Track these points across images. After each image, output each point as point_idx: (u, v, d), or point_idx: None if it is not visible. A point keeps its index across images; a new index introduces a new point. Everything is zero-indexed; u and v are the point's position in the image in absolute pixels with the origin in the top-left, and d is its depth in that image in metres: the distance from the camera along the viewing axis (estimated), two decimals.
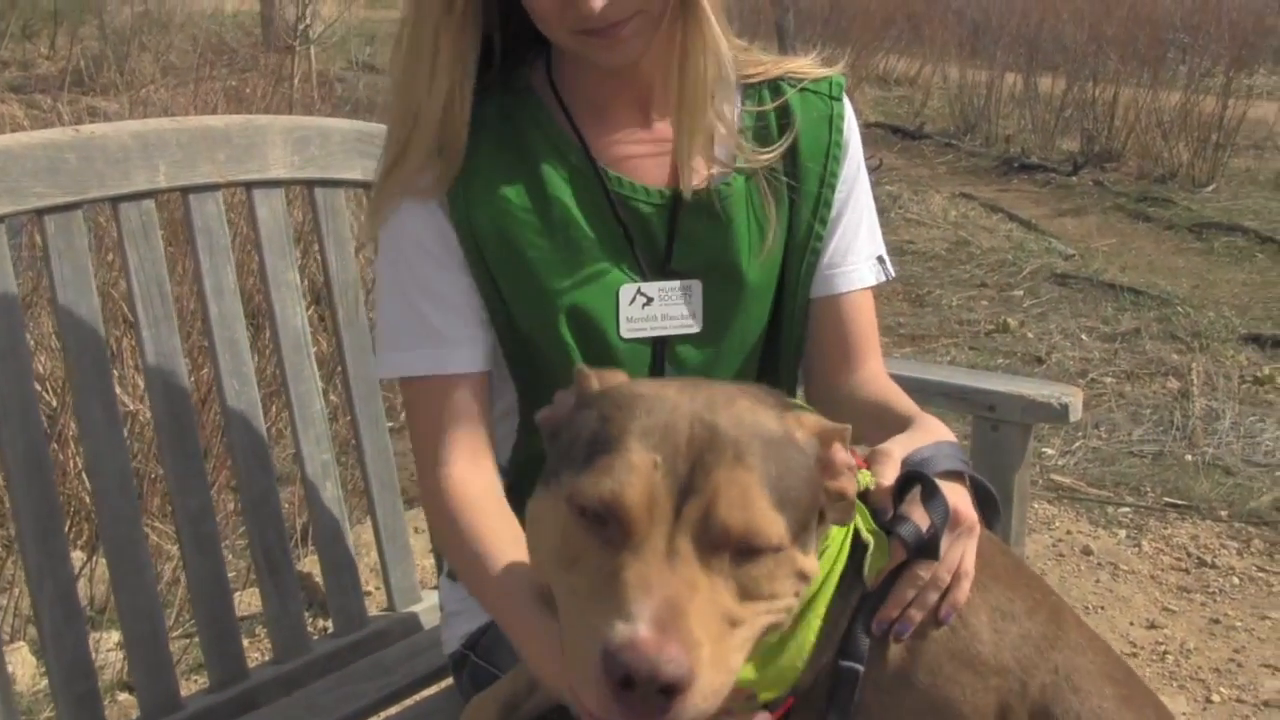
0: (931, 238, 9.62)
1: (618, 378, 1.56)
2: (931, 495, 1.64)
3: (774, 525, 1.38)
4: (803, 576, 1.45)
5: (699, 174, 2.02)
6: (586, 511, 1.36)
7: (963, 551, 1.68)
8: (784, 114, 2.09)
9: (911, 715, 1.66)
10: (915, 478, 1.67)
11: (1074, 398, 2.48)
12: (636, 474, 1.35)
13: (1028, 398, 2.48)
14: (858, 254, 2.16)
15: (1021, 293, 8.27)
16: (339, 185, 2.50)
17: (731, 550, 1.36)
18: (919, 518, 1.64)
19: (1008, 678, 1.65)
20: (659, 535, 1.33)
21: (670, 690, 1.24)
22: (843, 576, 1.63)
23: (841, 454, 1.54)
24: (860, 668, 1.61)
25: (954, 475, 1.74)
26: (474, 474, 1.94)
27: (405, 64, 1.94)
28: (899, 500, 1.67)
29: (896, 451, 1.73)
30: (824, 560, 1.58)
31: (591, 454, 1.39)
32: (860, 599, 1.64)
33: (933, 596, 1.65)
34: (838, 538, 1.61)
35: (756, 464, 1.39)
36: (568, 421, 1.51)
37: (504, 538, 1.82)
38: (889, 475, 1.69)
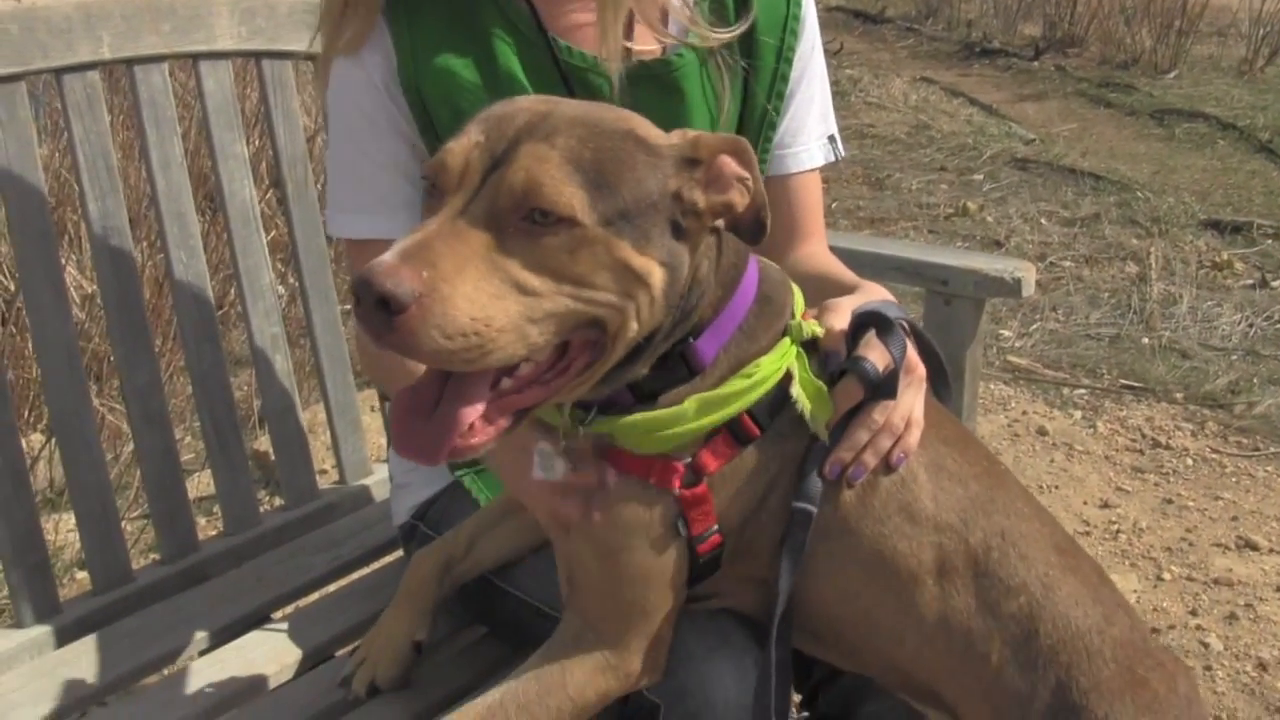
0: (892, 122, 9.57)
1: None
2: (889, 332, 1.65)
3: (563, 193, 1.38)
4: (631, 274, 1.43)
5: (650, 44, 2.00)
6: (425, 180, 1.46)
7: (914, 399, 1.69)
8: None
9: (855, 564, 1.67)
10: (870, 320, 1.67)
11: (1026, 272, 2.48)
12: (457, 147, 1.42)
13: (981, 272, 2.48)
14: (809, 133, 2.17)
15: (981, 177, 8.25)
16: (287, 57, 2.46)
17: (520, 214, 1.38)
18: (876, 357, 1.63)
19: (950, 535, 1.67)
20: (459, 200, 1.39)
21: (389, 306, 1.28)
22: (775, 419, 1.63)
23: (731, 165, 1.52)
24: (814, 509, 1.61)
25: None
26: None
27: None
28: (853, 345, 1.67)
29: (845, 303, 1.73)
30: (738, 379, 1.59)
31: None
32: (811, 441, 1.64)
33: (886, 442, 1.65)
34: (773, 361, 1.61)
35: (565, 143, 1.41)
36: None
37: None
38: (840, 322, 1.69)
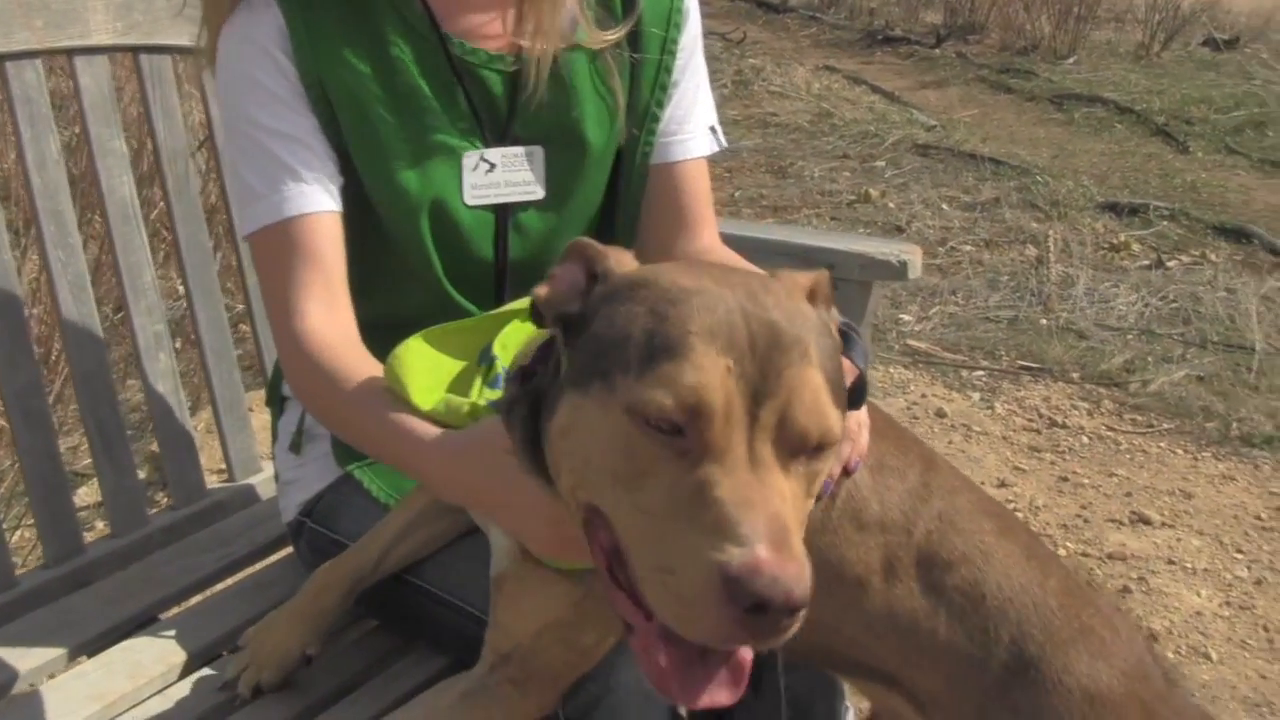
0: (795, 110, 9.61)
1: (628, 259, 1.41)
2: (852, 344, 1.57)
3: (839, 422, 1.29)
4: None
5: (541, 41, 2.00)
6: (656, 422, 1.23)
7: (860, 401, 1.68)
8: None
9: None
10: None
11: (913, 255, 2.50)
12: (714, 379, 1.22)
13: (867, 255, 2.50)
14: (694, 123, 2.19)
15: (883, 163, 8.31)
16: (165, 51, 2.44)
17: (807, 453, 1.27)
18: (847, 369, 1.57)
19: (895, 532, 1.69)
20: (740, 443, 1.22)
21: (796, 609, 1.16)
22: None
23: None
24: None
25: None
26: (331, 321, 1.87)
27: None
28: None
29: None
30: None
31: (652, 357, 1.24)
32: None
33: (847, 448, 1.62)
34: None
35: (819, 360, 1.29)
36: (592, 314, 1.35)
37: (378, 379, 1.75)
38: None
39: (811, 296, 1.42)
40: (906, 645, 1.73)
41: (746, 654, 1.28)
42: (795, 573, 1.15)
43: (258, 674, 1.97)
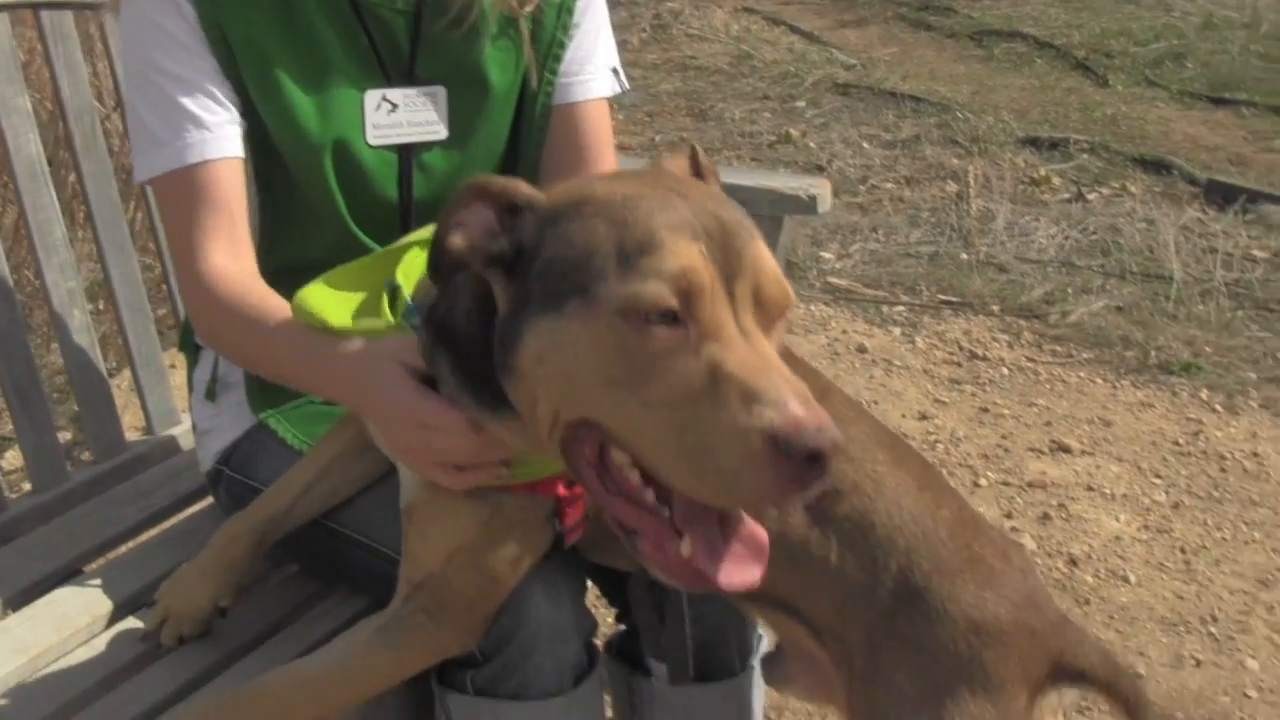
0: (714, 53, 9.63)
1: (526, 185, 1.45)
2: None
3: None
4: None
5: None
6: (651, 315, 1.28)
7: None
8: None
9: None
10: None
11: (822, 190, 2.54)
12: (696, 261, 1.29)
13: (776, 191, 2.53)
14: (595, 63, 2.21)
15: (804, 104, 8.34)
16: (65, 8, 2.42)
17: (776, 320, 1.35)
18: None
19: None
20: (729, 321, 1.29)
21: (823, 459, 1.23)
22: None
23: None
24: None
25: None
26: (234, 262, 1.90)
27: None
28: None
29: None
30: None
31: (629, 259, 1.31)
32: None
33: None
34: None
35: (758, 234, 1.38)
36: (536, 243, 1.39)
37: (285, 310, 1.79)
38: None
39: (699, 174, 1.53)
40: (800, 573, 1.76)
41: (761, 531, 1.37)
42: (829, 420, 1.23)
43: (177, 627, 1.98)
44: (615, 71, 2.24)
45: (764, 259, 1.35)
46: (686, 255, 1.29)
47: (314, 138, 1.99)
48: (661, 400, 1.28)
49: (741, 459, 1.23)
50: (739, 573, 1.34)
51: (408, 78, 2.06)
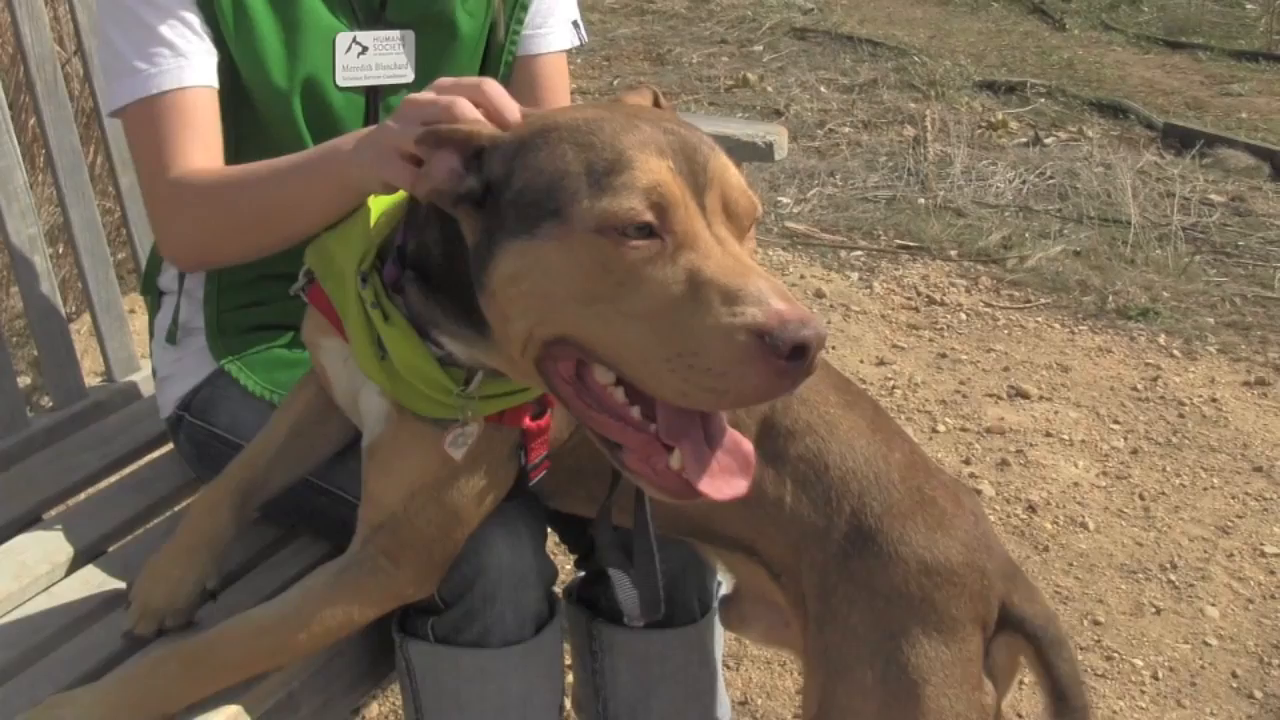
0: None
1: (521, 122, 1.47)
2: None
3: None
4: None
5: None
6: (627, 228, 1.31)
7: None
8: None
9: None
10: None
11: (778, 136, 2.54)
12: (666, 175, 1.33)
13: (733, 137, 2.53)
14: (558, 17, 2.23)
15: (761, 48, 8.32)
16: None
17: (745, 229, 1.39)
18: None
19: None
20: (703, 230, 1.33)
21: (808, 352, 1.25)
22: None
23: None
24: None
25: None
26: (211, 165, 1.92)
27: None
28: None
29: None
30: None
31: (600, 180, 1.34)
32: None
33: None
34: None
35: (724, 152, 1.42)
36: (505, 175, 1.41)
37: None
38: None
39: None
40: (756, 514, 1.78)
41: (746, 443, 1.40)
42: (812, 314, 1.26)
43: (159, 619, 1.86)
44: (575, 24, 2.26)
45: (729, 171, 1.39)
46: (656, 170, 1.33)
47: (284, 77, 1.99)
48: (644, 310, 1.30)
49: (728, 357, 1.25)
50: (727, 483, 1.37)
51: (377, 20, 2.06)
